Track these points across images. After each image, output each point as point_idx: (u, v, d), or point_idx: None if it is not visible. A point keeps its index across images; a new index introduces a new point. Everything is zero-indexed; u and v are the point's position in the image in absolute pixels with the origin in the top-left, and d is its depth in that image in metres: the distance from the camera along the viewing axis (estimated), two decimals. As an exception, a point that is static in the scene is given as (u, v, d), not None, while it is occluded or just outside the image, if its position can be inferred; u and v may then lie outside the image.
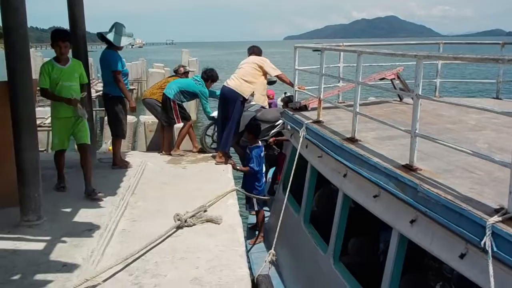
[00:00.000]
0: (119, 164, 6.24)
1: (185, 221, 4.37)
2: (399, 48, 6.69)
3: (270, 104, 7.61)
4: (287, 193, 5.28)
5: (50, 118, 11.16)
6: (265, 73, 6.68)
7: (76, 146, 5.24)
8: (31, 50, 19.03)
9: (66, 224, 4.27)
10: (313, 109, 5.53)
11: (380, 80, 6.21)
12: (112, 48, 6.11)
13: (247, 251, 5.57)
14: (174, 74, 8.01)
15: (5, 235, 3.97)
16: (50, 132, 10.81)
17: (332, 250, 4.15)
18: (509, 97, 9.01)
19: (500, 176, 2.96)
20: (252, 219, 6.61)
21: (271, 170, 7.61)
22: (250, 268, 5.15)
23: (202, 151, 7.36)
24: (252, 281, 4.59)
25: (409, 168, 3.22)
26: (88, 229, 4.17)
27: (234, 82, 6.58)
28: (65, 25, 6.13)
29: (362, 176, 3.62)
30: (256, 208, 5.99)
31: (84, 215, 4.51)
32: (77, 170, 5.11)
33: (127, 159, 6.52)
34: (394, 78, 6.15)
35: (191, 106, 13.55)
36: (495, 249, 2.29)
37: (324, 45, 5.26)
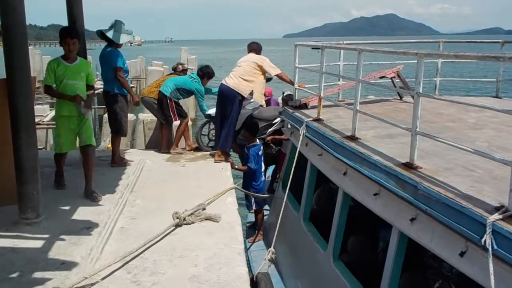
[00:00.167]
0: (118, 162, 6.23)
1: (184, 219, 4.36)
2: (399, 46, 6.69)
3: (268, 102, 7.59)
4: (286, 191, 5.27)
5: (48, 116, 11.15)
6: (264, 72, 6.65)
7: (78, 146, 5.11)
8: (30, 48, 18.99)
9: (64, 222, 4.26)
10: (313, 107, 5.52)
11: (380, 78, 6.20)
12: (112, 45, 6.09)
13: (246, 249, 5.57)
14: (172, 72, 7.99)
15: (3, 233, 3.97)
16: (50, 130, 10.81)
17: (331, 248, 4.15)
18: (509, 96, 9.01)
19: (500, 174, 2.97)
20: (251, 217, 6.61)
21: (270, 168, 7.60)
22: (249, 266, 5.16)
23: (197, 149, 7.34)
24: (252, 279, 4.58)
25: (409, 166, 3.21)
26: (87, 227, 4.16)
27: (232, 80, 6.55)
28: (64, 23, 6.10)
29: (362, 174, 3.62)
30: (254, 207, 5.97)
31: (83, 213, 4.50)
32: (75, 168, 5.10)
33: (126, 157, 6.51)
34: (394, 77, 6.14)
35: (190, 104, 13.53)
36: (495, 247, 2.29)
37: (325, 43, 5.25)
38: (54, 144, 5.01)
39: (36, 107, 7.91)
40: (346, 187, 4.03)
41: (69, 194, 4.93)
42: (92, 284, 3.24)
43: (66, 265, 3.48)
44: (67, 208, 4.59)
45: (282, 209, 5.12)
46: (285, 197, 5.23)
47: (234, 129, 6.62)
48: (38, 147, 4.67)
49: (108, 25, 6.22)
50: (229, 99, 6.50)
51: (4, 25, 3.99)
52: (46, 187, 4.73)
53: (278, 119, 6.79)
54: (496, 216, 2.34)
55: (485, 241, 2.30)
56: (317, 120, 5.02)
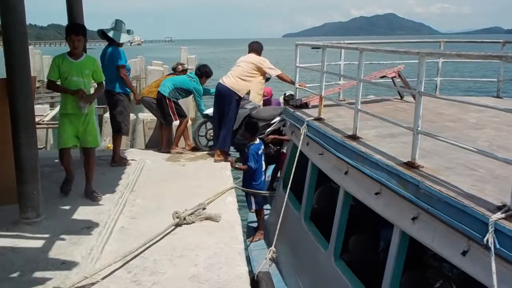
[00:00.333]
0: (118, 161, 6.22)
1: (184, 219, 4.35)
2: (399, 46, 6.68)
3: (267, 102, 7.57)
4: (287, 191, 5.27)
5: (48, 115, 11.14)
6: (263, 73, 6.64)
7: (80, 146, 5.04)
8: (30, 47, 18.99)
9: (65, 222, 4.26)
10: (314, 106, 5.51)
11: (381, 78, 6.20)
12: (113, 44, 6.10)
13: (246, 248, 5.56)
14: (172, 72, 7.97)
15: (3, 233, 3.96)
16: (50, 130, 10.81)
17: (333, 247, 4.14)
18: (509, 96, 9.01)
19: (501, 174, 2.97)
20: (252, 217, 6.60)
21: (270, 168, 7.59)
22: (250, 265, 5.15)
23: (195, 149, 7.33)
24: (252, 278, 4.58)
25: (411, 165, 3.21)
26: (87, 227, 4.16)
27: (229, 80, 6.54)
28: (64, 22, 6.10)
29: (364, 173, 3.62)
30: (253, 207, 5.96)
31: (83, 212, 4.50)
32: (75, 168, 5.07)
33: (126, 156, 6.50)
34: (395, 76, 6.13)
35: (189, 104, 13.51)
36: (497, 246, 2.28)
37: (326, 43, 5.24)
38: (58, 141, 4.86)
39: (36, 106, 7.92)
40: (347, 187, 4.03)
41: (69, 194, 4.92)
42: (93, 284, 3.23)
43: (67, 265, 3.48)
44: (67, 207, 4.59)
45: (283, 208, 5.11)
46: (286, 196, 5.23)
47: (233, 129, 6.61)
48: (38, 146, 4.64)
49: (109, 24, 6.23)
50: (226, 99, 6.49)
51: (4, 24, 3.97)
52: (47, 187, 4.72)
53: (277, 119, 6.78)
54: (499, 215, 2.33)
55: (487, 240, 2.30)
56: (318, 119, 5.01)
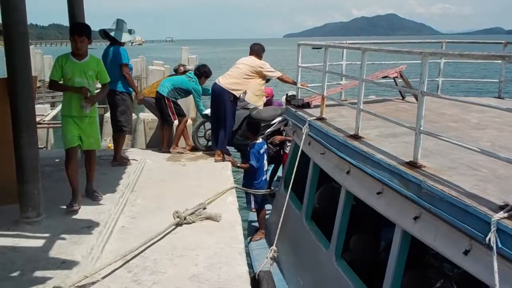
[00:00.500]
0: (118, 161, 6.21)
1: (184, 219, 4.35)
2: (401, 46, 6.68)
3: (268, 102, 7.56)
4: (289, 190, 5.26)
5: (49, 115, 11.14)
6: (262, 76, 6.63)
7: (82, 147, 4.84)
8: (31, 47, 19.02)
9: (65, 221, 4.26)
10: (316, 106, 5.51)
11: (383, 78, 6.19)
12: (115, 44, 6.10)
13: (246, 245, 5.55)
14: (174, 73, 7.97)
15: (4, 232, 3.96)
16: (51, 130, 10.81)
17: (334, 246, 4.14)
18: (511, 97, 8.99)
19: (504, 174, 2.97)
20: (254, 216, 6.60)
21: (270, 168, 7.57)
22: (251, 265, 5.15)
23: (195, 149, 7.33)
24: (254, 277, 4.57)
25: (413, 165, 3.20)
26: (88, 226, 4.16)
27: (225, 80, 6.53)
28: (65, 22, 6.11)
29: (366, 173, 3.61)
30: (252, 205, 5.95)
31: (84, 212, 4.49)
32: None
33: (126, 156, 6.49)
34: (396, 77, 6.12)
35: (190, 103, 13.51)
36: (499, 245, 2.28)
37: (328, 43, 5.24)
38: (63, 141, 4.60)
39: (37, 106, 7.92)
40: (349, 186, 4.02)
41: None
42: (93, 283, 3.23)
43: (67, 264, 3.47)
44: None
45: (284, 207, 5.11)
46: (287, 195, 5.23)
47: (232, 128, 6.60)
48: (39, 146, 4.61)
49: (110, 24, 6.23)
50: (221, 99, 6.48)
51: (5, 24, 3.97)
52: (47, 186, 4.71)
53: (277, 120, 6.77)
54: (501, 214, 2.33)
55: (489, 240, 2.30)
56: (320, 119, 5.01)
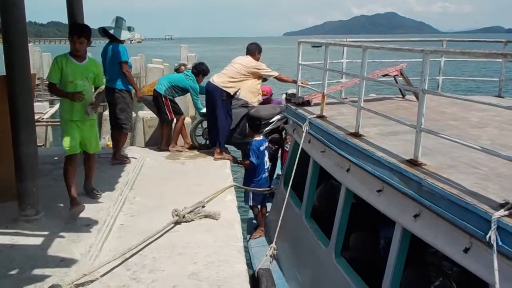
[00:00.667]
0: (118, 159, 6.19)
1: (183, 217, 4.34)
2: (401, 45, 6.67)
3: (267, 101, 7.54)
4: (289, 188, 5.25)
5: (48, 113, 11.09)
6: (258, 76, 6.61)
7: (88, 151, 4.76)
8: (30, 44, 18.98)
9: (64, 219, 4.24)
10: (316, 104, 5.50)
11: (383, 76, 6.17)
12: (115, 41, 6.08)
13: (246, 243, 5.54)
14: (175, 73, 7.94)
15: (3, 230, 3.95)
16: (49, 127, 10.80)
17: (333, 244, 4.14)
18: (511, 95, 8.98)
19: (504, 172, 2.98)
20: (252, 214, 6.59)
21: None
22: (250, 262, 5.14)
23: (193, 147, 7.31)
24: (253, 275, 4.57)
25: (413, 163, 3.20)
26: (86, 224, 4.15)
27: (219, 79, 6.51)
28: (64, 20, 6.09)
29: (366, 171, 3.61)
30: (250, 203, 5.95)
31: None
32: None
33: (126, 154, 6.47)
34: (397, 75, 6.11)
35: (189, 102, 13.49)
36: (500, 243, 2.28)
37: (329, 41, 5.22)
38: (65, 146, 4.44)
39: (35, 104, 7.88)
40: (349, 184, 4.02)
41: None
42: (92, 281, 3.22)
43: (66, 262, 3.46)
44: (66, 205, 4.56)
45: (284, 205, 5.10)
46: (287, 193, 5.22)
47: (229, 126, 6.59)
48: (38, 144, 4.60)
49: (110, 22, 6.20)
50: (215, 97, 6.46)
51: (4, 21, 3.95)
52: (46, 184, 4.70)
53: (276, 118, 6.76)
54: (501, 212, 2.33)
55: (489, 237, 2.30)
56: (320, 117, 5.00)
